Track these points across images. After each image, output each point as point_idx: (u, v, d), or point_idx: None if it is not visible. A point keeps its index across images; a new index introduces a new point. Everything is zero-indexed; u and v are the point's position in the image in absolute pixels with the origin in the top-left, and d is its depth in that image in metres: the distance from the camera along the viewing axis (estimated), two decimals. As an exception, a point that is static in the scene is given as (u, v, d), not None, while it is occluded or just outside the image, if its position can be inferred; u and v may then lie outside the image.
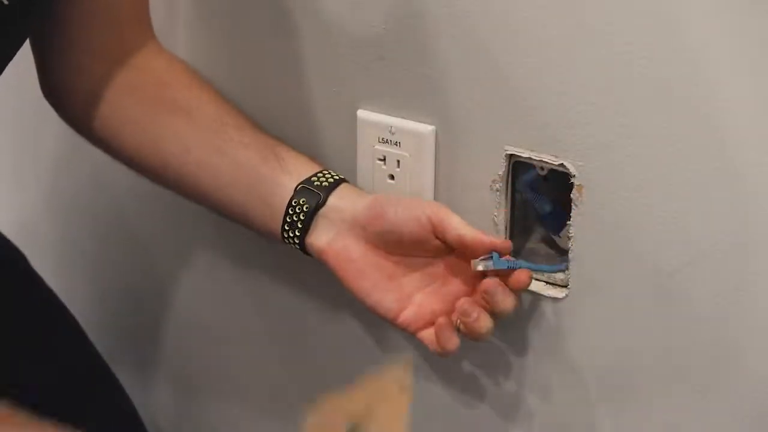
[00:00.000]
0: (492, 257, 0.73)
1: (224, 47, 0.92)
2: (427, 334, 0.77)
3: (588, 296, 0.76)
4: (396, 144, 0.81)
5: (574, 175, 0.73)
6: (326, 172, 0.81)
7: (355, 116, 0.83)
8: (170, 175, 0.84)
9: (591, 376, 0.79)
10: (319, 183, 0.80)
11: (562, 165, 0.73)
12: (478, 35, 0.75)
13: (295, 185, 0.80)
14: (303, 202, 0.79)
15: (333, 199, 0.79)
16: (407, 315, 0.77)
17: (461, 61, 0.76)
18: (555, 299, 0.77)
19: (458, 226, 0.74)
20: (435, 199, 0.82)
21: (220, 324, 1.06)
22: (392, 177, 0.82)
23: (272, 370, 1.03)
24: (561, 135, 0.73)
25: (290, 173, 0.81)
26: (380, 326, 0.89)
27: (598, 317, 0.77)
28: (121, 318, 1.17)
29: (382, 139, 0.82)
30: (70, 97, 0.85)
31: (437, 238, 0.75)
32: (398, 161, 0.82)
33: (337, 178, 0.80)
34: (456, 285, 0.77)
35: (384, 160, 0.82)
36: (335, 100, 0.85)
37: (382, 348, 0.92)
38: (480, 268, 0.73)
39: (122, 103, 0.84)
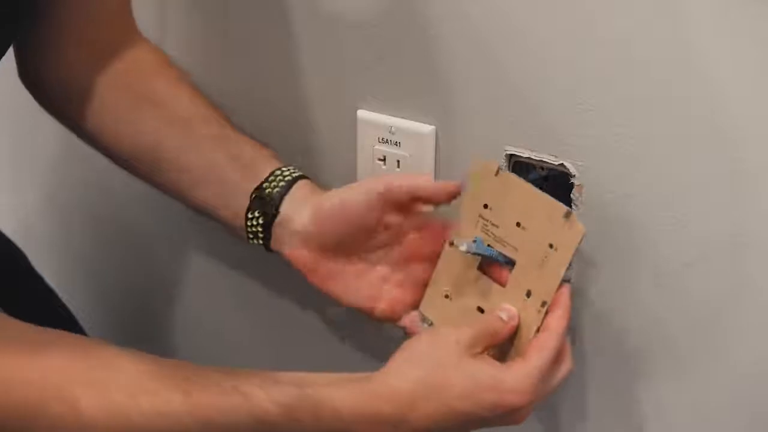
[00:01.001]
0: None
1: (223, 47, 0.92)
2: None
3: (588, 296, 0.76)
4: (396, 144, 0.81)
5: (574, 175, 0.73)
6: (278, 172, 0.79)
7: (355, 116, 0.83)
8: (144, 169, 0.84)
9: (591, 374, 0.79)
10: (270, 190, 0.79)
11: (562, 165, 0.73)
12: (479, 36, 0.75)
13: (251, 192, 0.79)
14: (258, 214, 0.79)
15: (284, 208, 0.78)
16: (382, 310, 0.78)
17: (461, 61, 0.76)
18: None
19: (410, 182, 0.74)
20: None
21: (221, 323, 1.06)
22: (392, 177, 0.83)
23: (274, 368, 1.03)
24: (561, 135, 0.73)
25: (247, 175, 0.80)
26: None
27: (598, 317, 0.77)
28: (122, 317, 1.17)
29: (382, 139, 0.82)
30: (47, 86, 0.84)
31: (392, 209, 0.75)
32: (398, 161, 0.82)
33: (289, 179, 0.79)
34: (418, 266, 0.78)
35: (384, 160, 0.82)
36: (335, 100, 0.85)
37: (382, 343, 0.92)
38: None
39: (102, 93, 0.83)
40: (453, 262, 0.76)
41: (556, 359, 0.70)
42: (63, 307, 0.99)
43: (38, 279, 0.98)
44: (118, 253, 1.14)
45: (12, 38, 0.77)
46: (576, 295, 0.77)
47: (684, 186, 0.70)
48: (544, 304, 0.70)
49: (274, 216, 0.78)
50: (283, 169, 0.80)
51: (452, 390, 0.67)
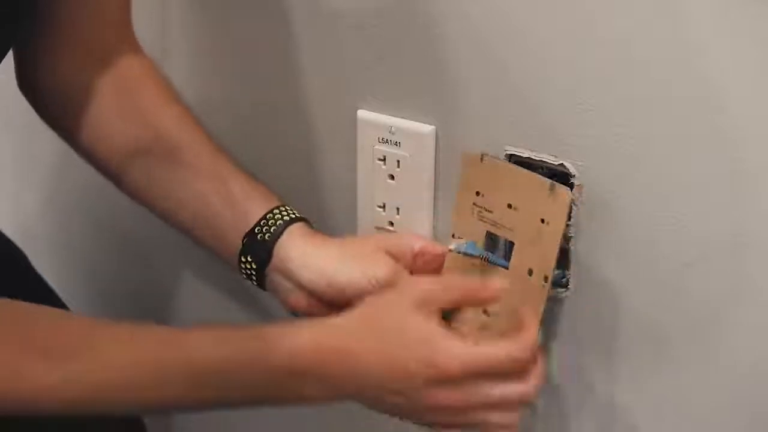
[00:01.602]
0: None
1: (223, 48, 0.92)
2: None
3: (588, 296, 0.76)
4: (396, 144, 0.81)
5: (574, 175, 0.73)
6: (269, 217, 0.79)
7: (355, 116, 0.83)
8: (132, 190, 0.84)
9: (590, 375, 0.79)
10: (262, 235, 0.78)
11: (562, 165, 0.73)
12: (479, 35, 0.75)
13: (243, 236, 0.79)
14: (250, 259, 0.78)
15: (278, 252, 0.78)
16: None
17: (461, 61, 0.76)
18: (555, 299, 0.77)
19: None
20: (435, 199, 0.82)
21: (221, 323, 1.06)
22: (392, 177, 0.83)
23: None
24: (561, 135, 0.73)
25: (238, 212, 0.79)
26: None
27: (598, 317, 0.77)
28: (121, 318, 1.17)
29: (382, 139, 0.82)
30: (42, 93, 0.84)
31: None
32: (398, 161, 0.82)
33: (281, 223, 0.78)
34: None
35: (384, 160, 0.82)
36: (335, 100, 0.85)
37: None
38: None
39: (93, 107, 0.83)
40: (457, 259, 0.77)
41: (511, 370, 0.67)
42: (63, 307, 0.99)
43: (38, 279, 0.98)
44: (117, 254, 1.14)
45: (12, 39, 0.77)
46: (575, 295, 0.77)
47: (684, 186, 0.70)
48: (546, 279, 0.72)
49: (267, 261, 0.78)
50: (275, 212, 0.79)
51: (384, 325, 0.68)
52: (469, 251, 0.74)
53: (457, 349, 0.67)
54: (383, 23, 0.79)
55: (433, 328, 0.68)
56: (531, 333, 0.69)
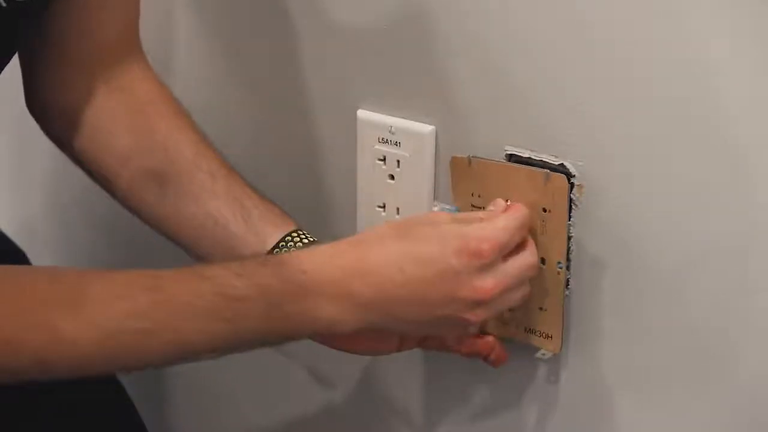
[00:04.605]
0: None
1: (224, 47, 0.92)
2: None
3: (588, 296, 0.76)
4: (396, 144, 0.81)
5: (574, 175, 0.73)
6: (289, 238, 0.78)
7: (355, 116, 0.83)
8: (141, 210, 0.84)
9: (591, 376, 0.79)
10: (287, 251, 0.77)
11: (562, 165, 0.73)
12: (479, 35, 0.75)
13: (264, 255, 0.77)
14: None
15: None
16: (403, 347, 0.78)
17: (461, 61, 0.76)
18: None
19: None
20: (435, 199, 0.81)
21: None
22: (392, 177, 0.83)
23: (278, 369, 1.03)
24: (561, 135, 0.73)
25: (257, 235, 0.78)
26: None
27: (597, 316, 0.77)
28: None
29: (382, 139, 0.82)
30: (51, 113, 0.84)
31: None
32: (398, 161, 0.82)
33: (300, 245, 0.77)
34: None
35: (384, 160, 0.82)
36: (335, 100, 0.85)
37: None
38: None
39: (103, 127, 0.82)
40: None
41: (519, 241, 0.70)
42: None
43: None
44: (118, 253, 1.14)
45: (14, 44, 0.77)
46: (574, 295, 0.77)
47: (684, 186, 0.69)
48: (559, 264, 0.74)
49: None
50: (293, 235, 0.78)
51: (416, 231, 0.68)
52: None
53: (482, 229, 0.68)
54: (383, 23, 0.79)
55: (453, 224, 0.68)
56: (519, 206, 0.71)
